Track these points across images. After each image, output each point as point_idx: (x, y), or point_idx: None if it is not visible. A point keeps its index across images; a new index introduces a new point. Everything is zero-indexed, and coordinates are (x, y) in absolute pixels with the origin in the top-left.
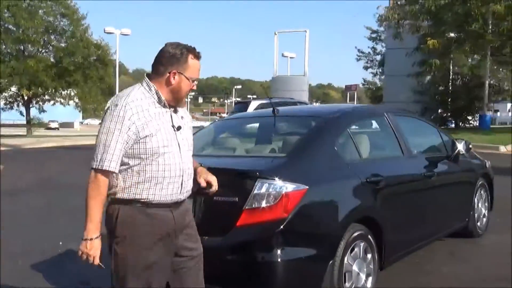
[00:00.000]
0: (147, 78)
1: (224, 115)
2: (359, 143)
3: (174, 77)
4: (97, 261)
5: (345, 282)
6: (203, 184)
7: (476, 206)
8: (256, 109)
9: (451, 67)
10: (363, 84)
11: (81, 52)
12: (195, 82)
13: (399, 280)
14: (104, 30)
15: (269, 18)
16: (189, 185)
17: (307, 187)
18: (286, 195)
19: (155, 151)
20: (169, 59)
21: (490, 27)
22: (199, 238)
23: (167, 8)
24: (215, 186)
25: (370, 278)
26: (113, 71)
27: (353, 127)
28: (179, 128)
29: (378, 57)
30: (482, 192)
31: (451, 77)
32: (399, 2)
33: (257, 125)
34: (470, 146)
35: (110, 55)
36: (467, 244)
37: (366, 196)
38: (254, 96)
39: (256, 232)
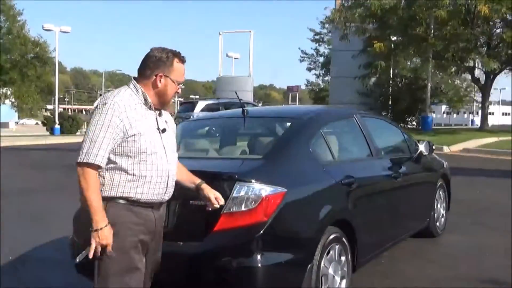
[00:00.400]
0: (134, 81)
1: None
2: (332, 145)
3: (160, 80)
4: (109, 249)
5: (321, 285)
6: (214, 201)
7: (435, 207)
8: (203, 109)
9: (395, 70)
10: (306, 85)
11: (18, 49)
12: (181, 86)
13: (368, 282)
14: (43, 27)
15: (212, 18)
16: (172, 187)
17: (286, 190)
18: (266, 198)
19: (143, 150)
20: (156, 62)
21: (433, 31)
22: (161, 249)
23: (108, 6)
24: (222, 201)
25: (344, 281)
26: (52, 70)
27: (325, 128)
28: (164, 130)
29: (321, 59)
30: (441, 192)
31: (395, 79)
32: (345, 4)
33: (227, 126)
34: (434, 147)
35: (49, 52)
36: (427, 244)
37: (341, 198)
38: (197, 97)
39: (235, 236)
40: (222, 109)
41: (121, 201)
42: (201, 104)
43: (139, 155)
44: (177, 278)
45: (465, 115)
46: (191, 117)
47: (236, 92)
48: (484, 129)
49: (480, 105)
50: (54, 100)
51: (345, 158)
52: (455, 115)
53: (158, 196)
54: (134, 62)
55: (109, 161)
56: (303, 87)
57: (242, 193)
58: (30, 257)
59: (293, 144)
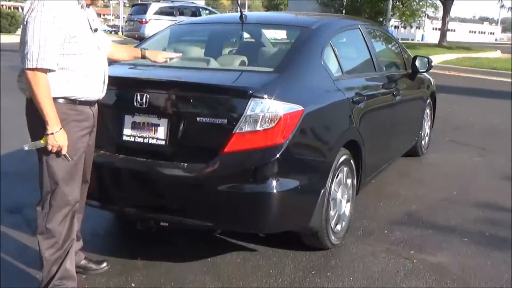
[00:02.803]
0: None
1: (110, 17)
2: (340, 58)
3: None
4: (65, 150)
5: (330, 210)
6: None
7: (423, 125)
8: (156, 12)
9: None
10: None
11: None
12: None
13: (367, 205)
14: None
15: None
16: (106, 84)
17: (303, 108)
18: (285, 117)
19: (81, 51)
20: None
21: None
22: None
23: None
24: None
25: (348, 204)
26: None
27: (334, 39)
28: (96, 30)
29: None
30: (428, 110)
31: None
32: None
33: (223, 32)
34: (432, 64)
35: None
36: (413, 163)
37: (352, 117)
38: None
39: (248, 159)
40: (176, 13)
41: (64, 101)
42: (154, 7)
43: (78, 56)
44: (179, 203)
45: (412, 30)
46: (145, 20)
47: (238, 2)
48: (442, 45)
49: (431, 21)
50: None
51: (353, 72)
52: (402, 30)
53: (96, 94)
54: None
55: None
56: None
57: (258, 110)
58: None
59: (306, 55)
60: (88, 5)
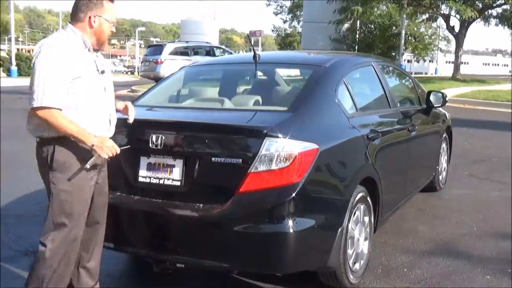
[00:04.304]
0: (70, 25)
1: (126, 57)
2: (354, 95)
3: (94, 21)
4: (117, 149)
5: (348, 249)
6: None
7: (440, 160)
8: (171, 52)
9: (369, 16)
10: (272, 30)
11: None
12: (113, 25)
13: (385, 242)
14: None
15: None
16: (114, 125)
17: (318, 146)
18: (300, 155)
19: (86, 90)
20: (87, 5)
21: None
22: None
23: None
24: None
25: (366, 242)
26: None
27: (347, 77)
28: (103, 72)
29: (288, 3)
30: (444, 145)
31: (368, 25)
32: None
33: (237, 72)
34: (447, 99)
35: None
36: (431, 198)
37: (367, 154)
38: (158, 39)
39: (264, 199)
40: (191, 53)
41: (68, 140)
42: (169, 47)
43: (83, 95)
44: (195, 244)
45: (425, 64)
46: (160, 60)
47: (251, 42)
48: (456, 78)
49: (444, 54)
50: (9, 39)
51: (367, 109)
52: (415, 64)
53: (101, 133)
54: None
55: None
56: (270, 32)
57: (272, 150)
58: (5, 215)
59: (320, 94)
60: (95, 50)
